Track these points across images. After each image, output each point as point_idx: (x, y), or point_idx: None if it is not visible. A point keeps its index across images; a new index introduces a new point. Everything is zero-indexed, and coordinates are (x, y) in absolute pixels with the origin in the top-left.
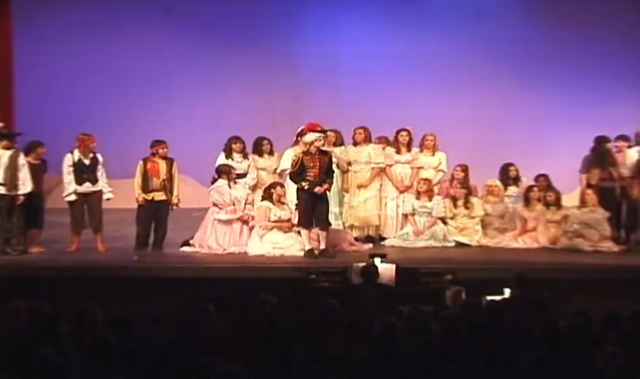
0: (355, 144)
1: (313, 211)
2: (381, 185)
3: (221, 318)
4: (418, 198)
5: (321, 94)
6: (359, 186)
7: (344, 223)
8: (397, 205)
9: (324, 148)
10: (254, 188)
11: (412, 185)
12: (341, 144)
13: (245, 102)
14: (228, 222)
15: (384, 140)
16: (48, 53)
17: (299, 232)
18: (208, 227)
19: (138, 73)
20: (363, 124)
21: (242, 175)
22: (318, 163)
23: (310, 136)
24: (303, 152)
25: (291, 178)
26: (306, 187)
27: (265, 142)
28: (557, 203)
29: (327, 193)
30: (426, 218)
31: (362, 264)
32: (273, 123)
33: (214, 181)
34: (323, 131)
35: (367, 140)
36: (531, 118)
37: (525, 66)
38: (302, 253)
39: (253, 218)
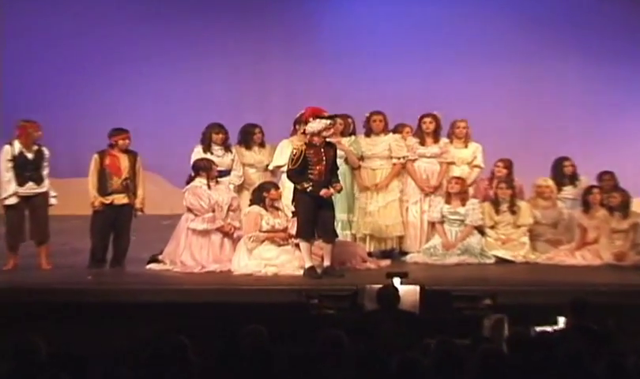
0: (369, 133)
1: (315, 218)
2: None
3: (199, 354)
4: (448, 202)
5: (325, 71)
6: (378, 187)
7: (354, 234)
8: (422, 211)
9: (330, 139)
10: (239, 189)
11: (440, 186)
12: (352, 133)
13: (229, 80)
14: (205, 233)
15: (407, 130)
16: None
17: (297, 245)
18: (181, 239)
19: (93, 44)
20: (376, 108)
21: (225, 173)
22: (323, 158)
23: (315, 125)
24: (306, 144)
25: (289, 177)
26: (309, 189)
27: (257, 131)
28: (624, 208)
29: (332, 196)
30: (458, 227)
31: (377, 286)
32: (265, 107)
33: (190, 180)
34: (331, 117)
35: (386, 128)
36: (592, 99)
37: (585, 36)
38: (301, 272)
39: (236, 229)
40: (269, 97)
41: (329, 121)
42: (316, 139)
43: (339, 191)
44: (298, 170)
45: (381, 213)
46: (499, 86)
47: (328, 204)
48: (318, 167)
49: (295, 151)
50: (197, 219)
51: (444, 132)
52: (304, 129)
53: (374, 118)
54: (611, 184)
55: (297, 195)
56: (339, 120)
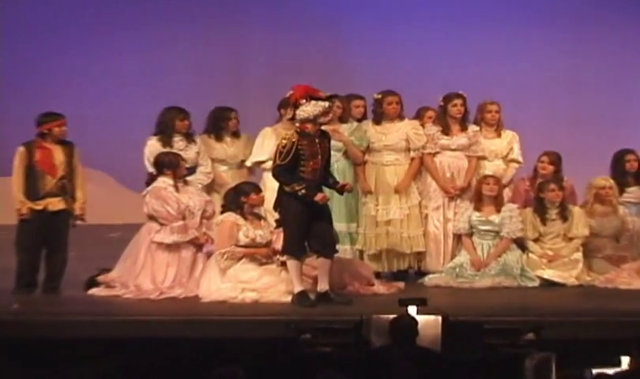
0: (380, 120)
1: (308, 229)
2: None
3: None
4: (478, 208)
5: (320, 40)
6: (398, 189)
7: (359, 250)
8: (445, 219)
9: (325, 128)
10: (207, 191)
11: (469, 186)
12: (361, 118)
13: (195, 53)
14: (174, 247)
15: (430, 114)
16: None
17: (284, 264)
18: (140, 256)
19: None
20: (388, 87)
21: (189, 170)
22: (318, 152)
23: (309, 109)
24: (298, 134)
25: (278, 176)
26: (301, 192)
27: (233, 116)
28: None
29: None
30: (492, 240)
31: (388, 316)
32: (241, 87)
33: (151, 180)
34: (330, 98)
35: (402, 113)
36: None
37: None
38: (289, 298)
39: (211, 241)
40: (246, 73)
41: (327, 104)
42: (310, 127)
43: (350, 191)
44: (289, 167)
45: (403, 224)
46: (540, 59)
47: (323, 211)
48: (311, 163)
49: (284, 142)
50: (163, 229)
51: (470, 117)
52: (294, 114)
53: (388, 99)
54: None
55: (285, 199)
56: (337, 102)
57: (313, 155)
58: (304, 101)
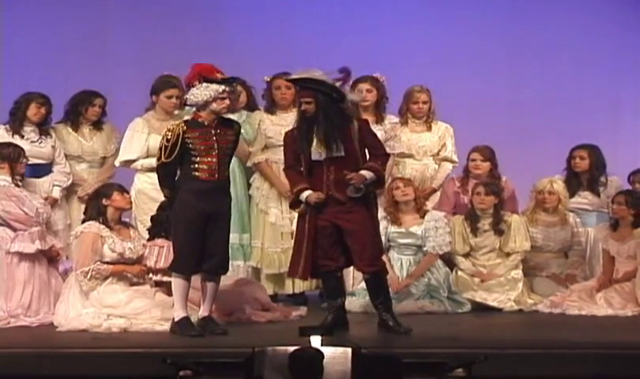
0: (274, 108)
1: (200, 243)
2: None
3: None
4: (395, 220)
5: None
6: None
7: (255, 266)
8: None
9: (231, 116)
10: (67, 195)
11: (383, 191)
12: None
13: (43, 21)
14: (30, 260)
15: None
16: None
17: (159, 284)
18: None
19: None
20: (279, 69)
21: (43, 168)
22: (215, 146)
23: (200, 92)
24: (187, 124)
25: (160, 177)
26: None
27: (97, 102)
28: None
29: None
30: (413, 255)
31: (286, 349)
32: (106, 65)
33: None
34: (228, 81)
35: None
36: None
37: None
38: (164, 326)
39: (60, 254)
40: (111, 49)
41: (221, 88)
42: (204, 115)
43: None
44: (171, 165)
45: None
46: (479, 36)
47: (220, 219)
48: (207, 160)
49: (167, 133)
50: (20, 236)
51: (393, 107)
52: (184, 101)
53: (276, 83)
54: None
55: (178, 204)
56: (239, 87)
57: (207, 150)
58: (197, 83)
